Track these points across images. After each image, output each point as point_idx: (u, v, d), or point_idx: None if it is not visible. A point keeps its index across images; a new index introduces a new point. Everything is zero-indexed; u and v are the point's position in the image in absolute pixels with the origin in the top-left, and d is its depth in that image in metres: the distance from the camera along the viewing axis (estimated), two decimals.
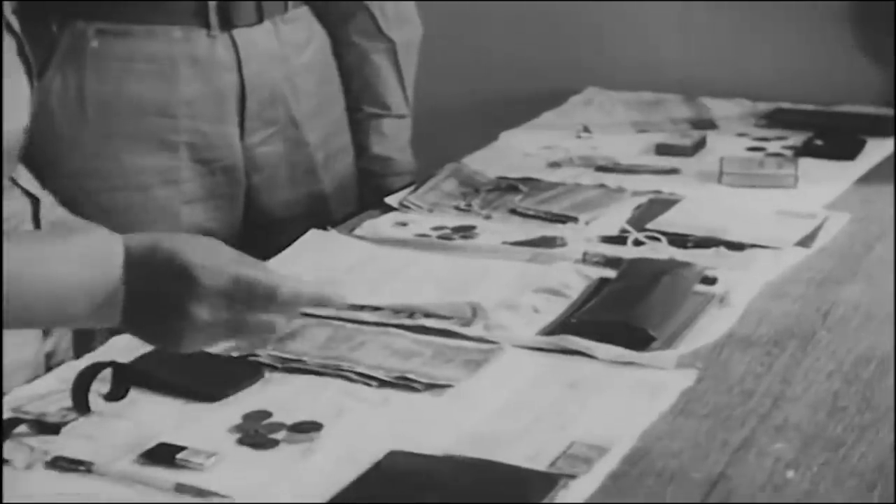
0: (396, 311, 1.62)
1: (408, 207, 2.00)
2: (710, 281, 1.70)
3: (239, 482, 1.26)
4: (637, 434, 1.33)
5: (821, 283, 1.71)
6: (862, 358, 1.50)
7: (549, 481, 1.23)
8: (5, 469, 1.27)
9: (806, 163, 2.17)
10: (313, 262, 1.78)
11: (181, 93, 1.96)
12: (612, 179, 2.11)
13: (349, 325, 1.58)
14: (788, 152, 2.24)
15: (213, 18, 1.97)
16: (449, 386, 1.44)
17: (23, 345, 1.48)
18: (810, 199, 2.01)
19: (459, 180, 2.09)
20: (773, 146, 2.28)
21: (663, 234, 1.85)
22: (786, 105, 2.49)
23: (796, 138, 2.30)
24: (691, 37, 2.63)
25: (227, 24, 1.98)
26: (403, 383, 1.44)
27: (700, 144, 2.27)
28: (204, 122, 1.98)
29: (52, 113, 1.90)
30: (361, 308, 1.62)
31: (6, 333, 1.40)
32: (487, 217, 1.95)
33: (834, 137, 2.28)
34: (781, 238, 1.83)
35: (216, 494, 1.23)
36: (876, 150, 2.25)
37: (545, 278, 1.70)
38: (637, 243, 1.83)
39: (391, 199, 2.02)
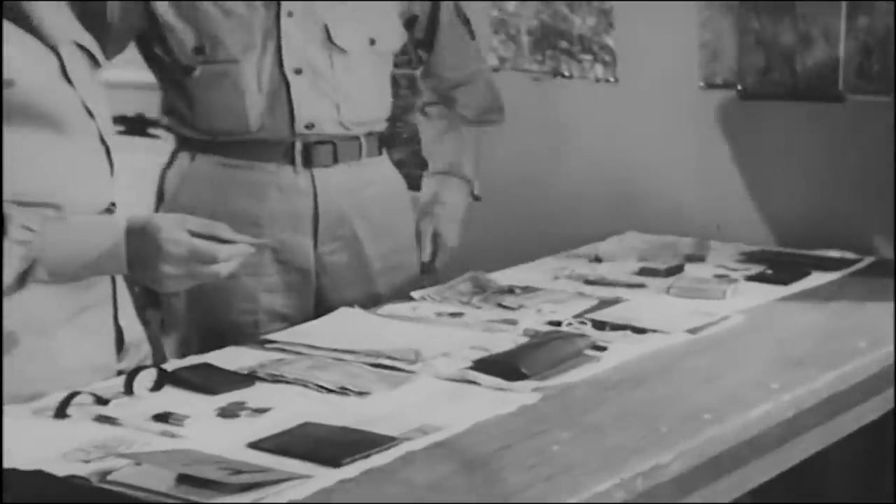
0: (368, 354, 2.20)
1: (425, 299, 2.58)
2: (602, 348, 2.23)
3: (203, 434, 1.85)
4: (471, 423, 1.88)
5: (680, 354, 2.22)
6: (666, 398, 2.01)
7: (388, 440, 1.79)
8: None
9: (748, 285, 2.66)
10: (331, 325, 2.39)
11: (269, 210, 2.59)
12: (593, 290, 2.65)
13: (330, 359, 2.18)
14: (742, 278, 2.73)
15: (298, 159, 2.61)
16: (368, 393, 2.01)
17: (95, 353, 2.11)
18: (728, 307, 2.51)
19: (474, 283, 2.65)
20: (736, 275, 2.77)
21: (592, 321, 2.38)
22: (772, 248, 2.98)
23: (757, 270, 2.80)
24: (709, 193, 3.16)
25: (308, 163, 2.62)
26: (341, 391, 2.03)
27: (675, 270, 2.78)
28: (285, 233, 2.60)
29: None
30: (344, 351, 2.22)
31: (79, 340, 2.06)
32: (478, 307, 2.52)
33: (783, 269, 2.77)
34: (676, 326, 2.35)
35: (184, 439, 1.84)
36: (814, 280, 2.73)
37: (484, 341, 2.26)
38: (568, 325, 2.37)
39: (415, 293, 2.61)
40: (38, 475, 1.70)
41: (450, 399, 2.00)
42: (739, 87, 3.07)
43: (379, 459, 1.74)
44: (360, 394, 2.02)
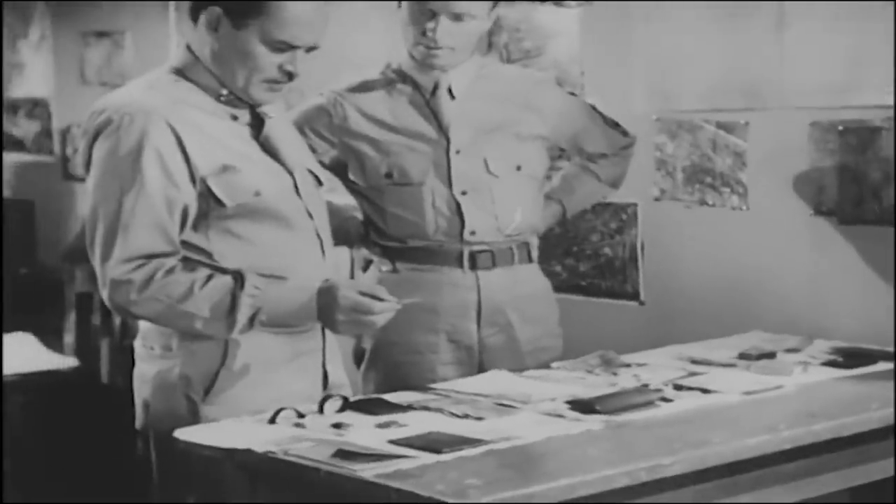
0: (495, 396, 3.00)
1: (559, 368, 3.36)
2: (669, 400, 2.96)
3: (361, 435, 2.67)
4: (542, 437, 2.65)
5: (727, 407, 2.93)
6: (694, 430, 2.74)
7: (480, 441, 2.59)
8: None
9: (819, 368, 3.33)
10: (479, 380, 3.19)
11: (443, 302, 3.42)
12: (693, 367, 3.36)
13: (467, 399, 2.98)
14: (818, 364, 3.39)
15: (465, 263, 3.45)
16: (483, 418, 2.81)
17: (306, 389, 2.97)
18: (790, 381, 3.18)
19: (602, 359, 3.41)
20: (814, 361, 3.44)
21: (674, 384, 3.11)
22: (861, 345, 3.63)
23: (835, 358, 3.46)
24: (818, 298, 3.84)
25: (474, 266, 3.45)
26: (463, 416, 2.83)
27: (766, 356, 3.46)
28: (455, 319, 3.43)
29: None
30: (480, 395, 3.02)
31: (294, 377, 2.93)
32: (597, 375, 3.28)
33: (852, 358, 3.42)
34: (735, 390, 3.06)
35: (348, 438, 2.67)
36: (876, 368, 3.36)
37: (583, 392, 3.02)
38: (654, 386, 3.11)
39: (553, 364, 3.39)
40: (247, 451, 2.58)
41: (538, 424, 2.77)
42: (840, 215, 3.77)
43: (469, 451, 2.54)
44: (477, 419, 2.82)
